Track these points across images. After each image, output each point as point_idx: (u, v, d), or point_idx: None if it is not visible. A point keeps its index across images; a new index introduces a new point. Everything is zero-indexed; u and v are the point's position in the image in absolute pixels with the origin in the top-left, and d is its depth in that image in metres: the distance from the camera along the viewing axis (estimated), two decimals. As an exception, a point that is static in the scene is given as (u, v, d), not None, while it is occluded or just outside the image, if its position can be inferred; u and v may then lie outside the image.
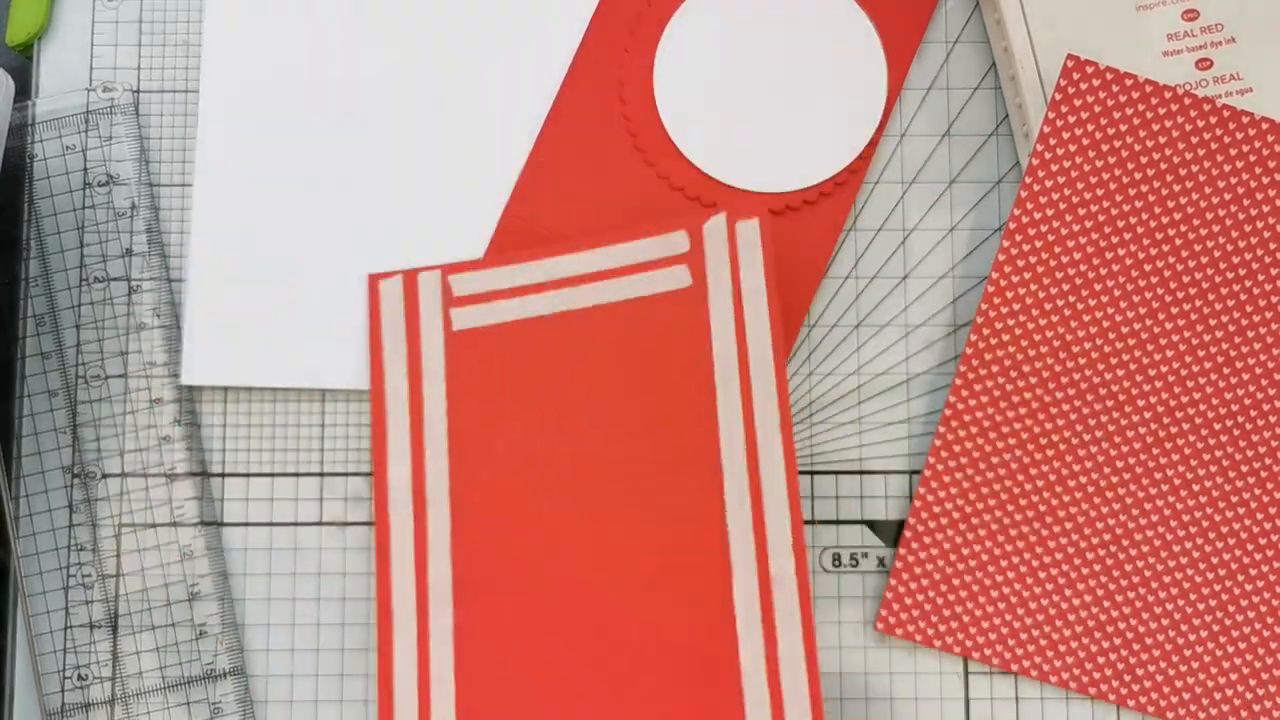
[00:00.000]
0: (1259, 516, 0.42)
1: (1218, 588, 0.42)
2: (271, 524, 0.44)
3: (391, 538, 0.42)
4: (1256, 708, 0.42)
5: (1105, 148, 0.42)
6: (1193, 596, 0.42)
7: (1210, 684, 0.42)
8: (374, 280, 0.43)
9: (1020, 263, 0.42)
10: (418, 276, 0.43)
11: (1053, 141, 0.42)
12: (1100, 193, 0.42)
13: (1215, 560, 0.42)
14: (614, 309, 0.42)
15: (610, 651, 0.40)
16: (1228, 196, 0.42)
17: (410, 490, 0.42)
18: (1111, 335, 0.42)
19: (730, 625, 0.40)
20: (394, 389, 0.42)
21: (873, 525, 0.44)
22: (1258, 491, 0.42)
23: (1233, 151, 0.41)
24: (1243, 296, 0.42)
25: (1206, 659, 0.42)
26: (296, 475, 0.44)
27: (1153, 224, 0.42)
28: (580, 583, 0.41)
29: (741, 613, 0.40)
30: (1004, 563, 0.42)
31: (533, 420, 0.42)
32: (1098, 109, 0.42)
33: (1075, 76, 0.41)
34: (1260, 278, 0.42)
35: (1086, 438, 0.42)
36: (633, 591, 0.41)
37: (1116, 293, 0.42)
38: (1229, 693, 0.42)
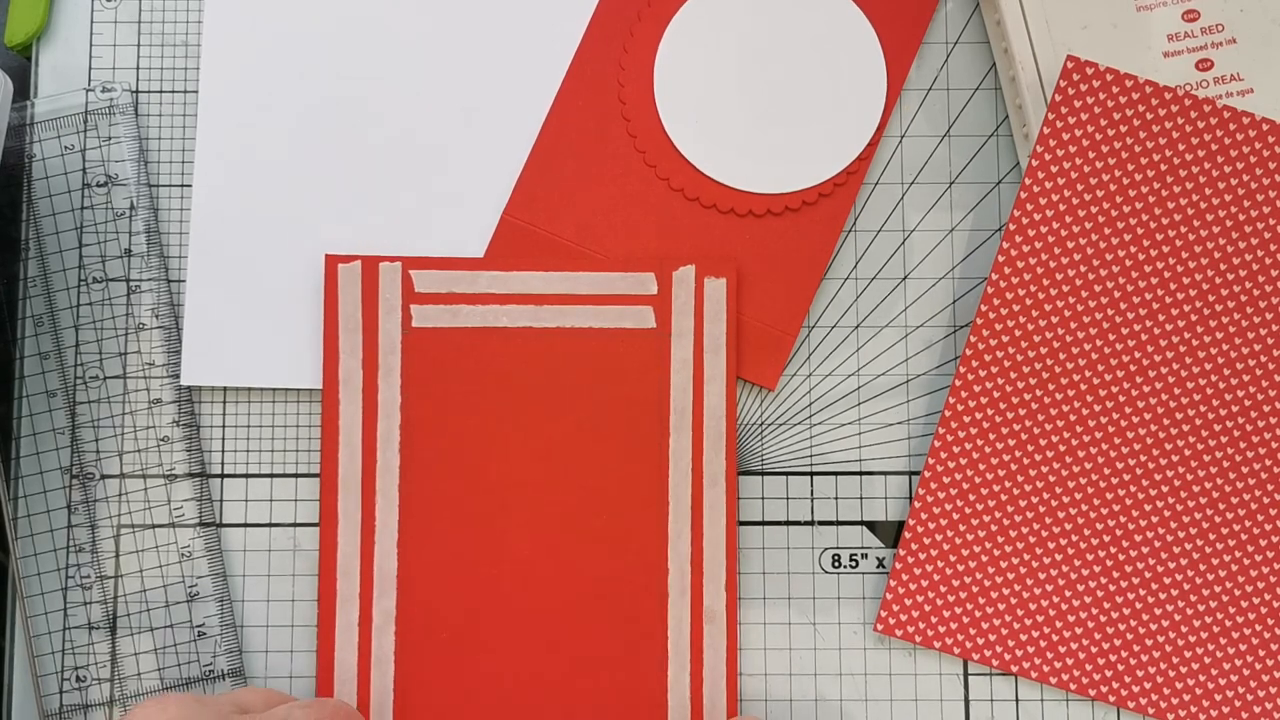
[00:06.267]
0: (1259, 518, 0.42)
1: (1218, 589, 0.42)
2: (271, 525, 0.44)
3: (339, 527, 0.42)
4: (1257, 709, 0.42)
5: (1105, 149, 0.42)
6: (1193, 598, 0.42)
7: (1210, 685, 0.42)
8: (331, 261, 0.43)
9: (1020, 264, 0.42)
10: (378, 265, 0.43)
11: (1052, 143, 0.42)
12: (1100, 194, 0.42)
13: (1215, 562, 0.42)
14: (576, 335, 0.43)
15: (544, 658, 0.42)
16: (1228, 198, 0.42)
17: (360, 482, 0.42)
18: (1111, 337, 0.42)
19: (662, 649, 0.42)
20: (348, 377, 0.43)
21: (872, 526, 0.44)
22: (1258, 493, 0.42)
23: (1233, 153, 0.41)
24: (1243, 298, 0.42)
25: (1206, 660, 0.42)
26: (295, 476, 0.44)
27: (1153, 225, 0.42)
28: (519, 590, 0.42)
29: (673, 638, 0.42)
30: (1004, 564, 0.42)
31: (486, 428, 0.43)
32: (1097, 110, 0.42)
33: (1075, 77, 0.41)
34: (1260, 279, 0.42)
35: (1086, 439, 0.42)
36: (570, 604, 0.42)
37: (1116, 294, 0.42)
38: (1229, 694, 0.42)
